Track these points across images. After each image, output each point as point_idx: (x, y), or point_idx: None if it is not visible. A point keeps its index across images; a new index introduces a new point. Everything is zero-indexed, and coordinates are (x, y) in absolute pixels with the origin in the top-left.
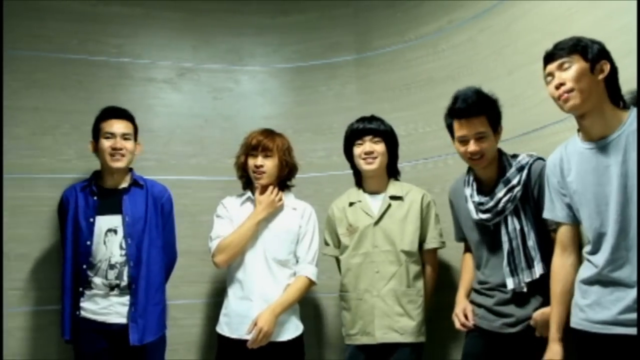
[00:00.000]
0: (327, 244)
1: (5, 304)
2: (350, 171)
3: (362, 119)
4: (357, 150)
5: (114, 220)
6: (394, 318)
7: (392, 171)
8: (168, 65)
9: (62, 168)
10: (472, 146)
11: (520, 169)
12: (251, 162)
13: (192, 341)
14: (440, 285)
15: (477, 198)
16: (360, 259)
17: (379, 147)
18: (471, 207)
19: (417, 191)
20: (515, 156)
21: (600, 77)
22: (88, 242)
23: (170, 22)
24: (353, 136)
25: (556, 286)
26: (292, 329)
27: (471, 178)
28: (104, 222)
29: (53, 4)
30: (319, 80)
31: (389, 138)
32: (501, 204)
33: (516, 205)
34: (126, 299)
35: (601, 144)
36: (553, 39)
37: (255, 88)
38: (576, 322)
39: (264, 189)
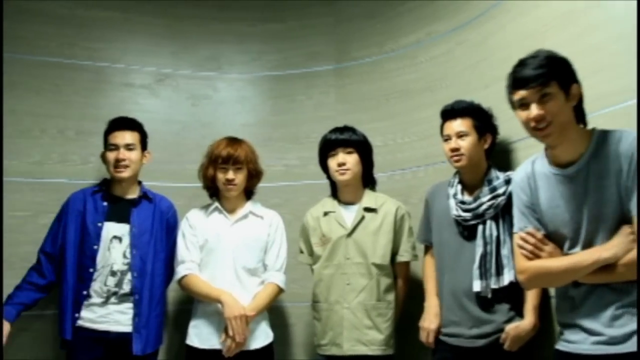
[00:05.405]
0: (301, 251)
1: None
2: (326, 180)
3: (335, 130)
4: (331, 162)
5: (121, 229)
6: (362, 331)
7: (367, 180)
8: (147, 70)
9: (36, 171)
10: (452, 144)
11: (508, 182)
12: (221, 175)
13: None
14: (411, 296)
15: (460, 197)
16: (332, 270)
17: (351, 158)
18: (452, 204)
19: (391, 203)
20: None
21: (574, 103)
22: (95, 246)
23: (150, 28)
24: (326, 147)
25: None
26: (263, 337)
27: (456, 180)
28: (111, 229)
29: (32, 5)
30: (297, 89)
31: (362, 148)
32: (483, 207)
33: (497, 213)
34: (124, 307)
35: (567, 171)
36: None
37: (234, 95)
38: None
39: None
